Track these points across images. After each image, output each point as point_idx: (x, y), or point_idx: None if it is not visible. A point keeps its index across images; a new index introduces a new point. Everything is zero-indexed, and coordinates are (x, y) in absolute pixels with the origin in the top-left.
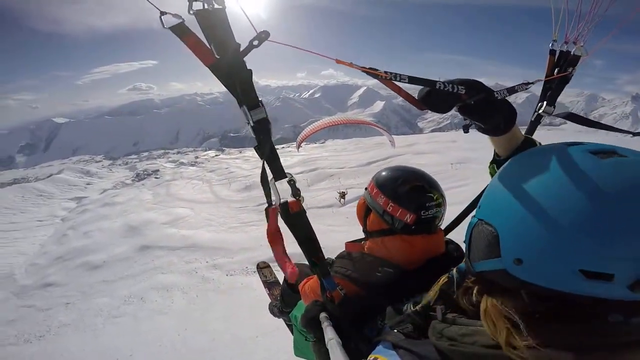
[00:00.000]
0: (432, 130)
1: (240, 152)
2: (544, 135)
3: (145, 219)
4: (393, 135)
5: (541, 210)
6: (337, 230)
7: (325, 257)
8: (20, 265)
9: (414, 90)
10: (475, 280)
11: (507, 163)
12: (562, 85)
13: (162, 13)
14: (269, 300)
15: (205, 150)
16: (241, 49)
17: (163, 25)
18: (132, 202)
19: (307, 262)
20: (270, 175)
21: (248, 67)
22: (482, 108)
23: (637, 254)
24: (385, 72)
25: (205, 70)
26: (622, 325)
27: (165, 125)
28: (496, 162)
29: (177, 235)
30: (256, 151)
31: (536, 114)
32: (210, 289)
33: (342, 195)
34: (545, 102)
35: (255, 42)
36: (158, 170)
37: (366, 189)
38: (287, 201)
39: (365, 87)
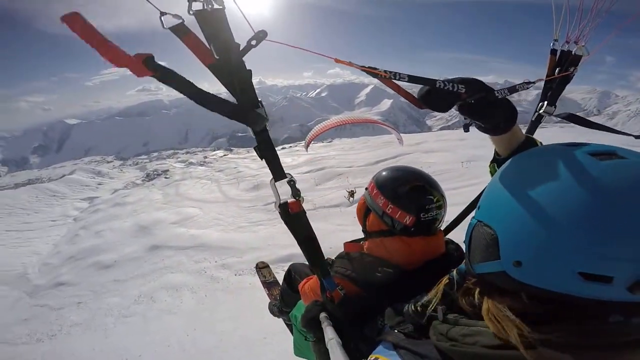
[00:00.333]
0: (441, 128)
1: (249, 151)
2: (556, 133)
3: (155, 219)
4: (401, 134)
5: (540, 213)
6: (347, 230)
7: (325, 257)
8: (33, 264)
9: (414, 89)
10: (476, 282)
11: (506, 164)
12: (563, 85)
13: (162, 13)
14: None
15: (214, 150)
16: (240, 49)
17: (163, 26)
18: (143, 202)
19: (307, 262)
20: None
21: (249, 67)
22: (482, 107)
23: (636, 256)
24: (385, 71)
25: None
26: (622, 325)
27: (174, 125)
28: (496, 161)
29: (186, 234)
30: (256, 151)
31: (537, 113)
32: (218, 289)
33: (351, 194)
34: (546, 102)
35: (253, 42)
36: (168, 170)
37: (366, 189)
38: (287, 201)
39: (372, 86)
